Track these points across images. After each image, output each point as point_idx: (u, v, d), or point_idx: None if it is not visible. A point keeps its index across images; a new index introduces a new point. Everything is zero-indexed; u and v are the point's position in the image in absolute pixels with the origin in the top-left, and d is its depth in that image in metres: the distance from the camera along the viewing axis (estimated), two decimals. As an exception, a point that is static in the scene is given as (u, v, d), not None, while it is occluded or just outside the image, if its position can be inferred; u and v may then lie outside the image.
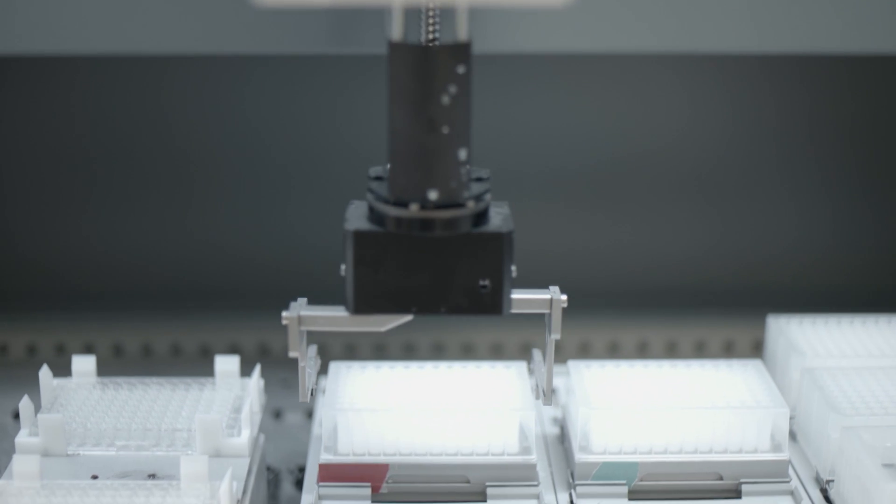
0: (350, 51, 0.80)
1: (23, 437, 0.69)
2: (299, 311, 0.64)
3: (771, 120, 0.94)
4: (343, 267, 0.62)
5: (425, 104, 0.59)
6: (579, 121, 0.93)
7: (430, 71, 0.58)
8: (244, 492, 0.66)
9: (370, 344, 0.95)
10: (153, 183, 0.93)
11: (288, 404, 0.87)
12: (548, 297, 0.65)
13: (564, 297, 0.65)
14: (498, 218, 0.62)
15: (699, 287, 0.96)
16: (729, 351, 0.95)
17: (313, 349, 0.68)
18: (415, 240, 0.61)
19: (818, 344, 0.78)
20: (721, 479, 0.68)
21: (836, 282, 0.96)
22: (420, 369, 0.75)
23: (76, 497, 0.63)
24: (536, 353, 0.69)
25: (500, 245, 0.61)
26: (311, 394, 0.67)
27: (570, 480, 0.68)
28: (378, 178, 0.63)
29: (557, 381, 0.79)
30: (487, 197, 0.62)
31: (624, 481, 0.68)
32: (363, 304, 0.62)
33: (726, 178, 0.95)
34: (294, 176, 0.94)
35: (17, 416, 0.87)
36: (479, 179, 0.63)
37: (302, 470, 0.79)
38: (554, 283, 0.66)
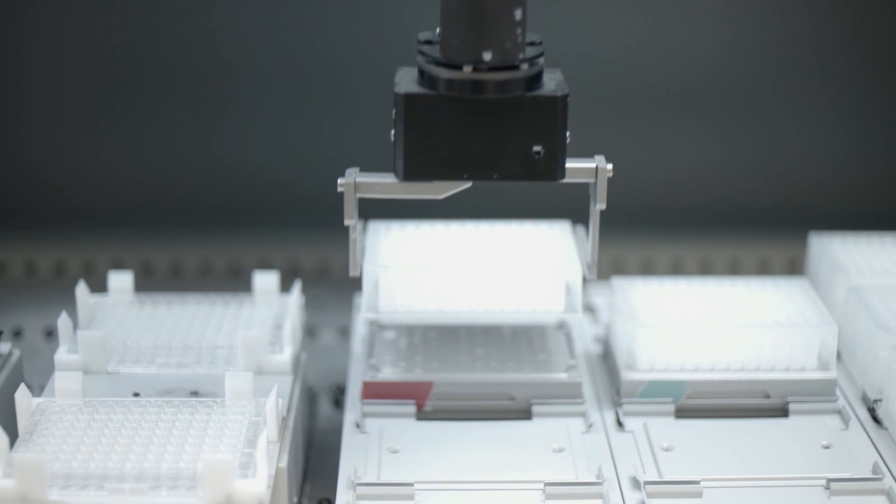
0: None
1: (62, 355, 0.68)
2: (355, 178, 0.63)
3: (812, 39, 0.92)
4: (393, 132, 0.61)
5: None
6: (619, 38, 0.91)
7: None
8: (288, 409, 0.65)
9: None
10: (184, 99, 0.92)
11: (322, 322, 0.86)
12: (593, 165, 0.63)
13: (610, 167, 0.63)
14: (552, 83, 0.61)
15: (733, 205, 0.95)
16: (763, 269, 0.94)
17: (360, 224, 0.67)
18: (467, 103, 0.59)
19: (862, 262, 0.77)
20: (768, 397, 0.67)
21: (875, 200, 0.95)
22: (461, 228, 0.73)
23: (119, 414, 0.62)
24: (580, 230, 0.68)
25: (554, 109, 0.60)
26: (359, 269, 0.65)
27: (616, 398, 0.68)
28: (428, 42, 0.61)
29: (598, 300, 0.78)
30: (541, 61, 0.60)
31: (670, 399, 0.67)
32: (413, 170, 0.61)
33: (763, 96, 0.93)
34: (323, 94, 0.92)
35: (49, 334, 0.86)
36: (532, 43, 0.61)
37: (340, 389, 0.78)
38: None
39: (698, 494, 0.60)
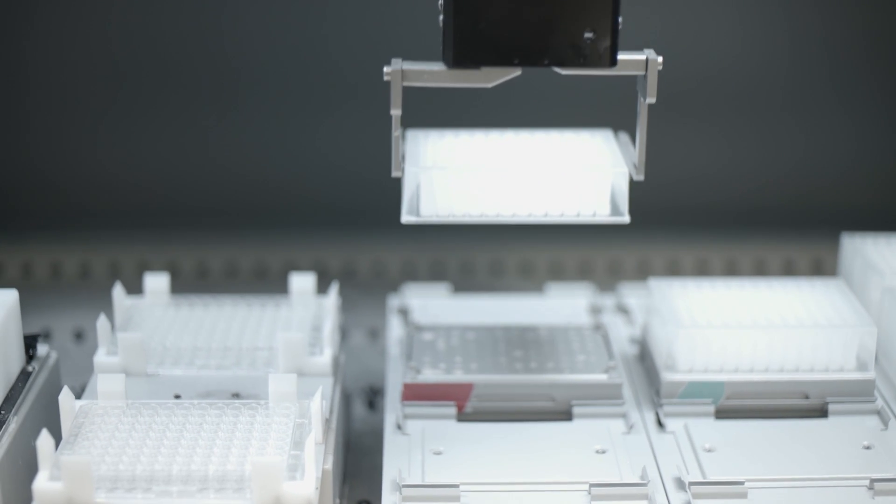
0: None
1: (101, 357, 0.68)
2: (402, 65, 0.62)
3: (825, 41, 0.92)
4: (441, 18, 0.60)
5: None
6: (648, 38, 0.91)
7: None
8: (331, 411, 0.65)
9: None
10: (210, 102, 0.92)
11: (351, 323, 0.86)
12: (643, 57, 0.62)
13: (660, 59, 0.62)
14: None
15: (757, 206, 0.95)
16: (789, 270, 0.94)
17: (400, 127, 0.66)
18: None
19: (896, 263, 0.77)
20: (807, 398, 0.67)
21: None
22: (500, 137, 0.71)
23: (163, 416, 0.62)
24: (623, 136, 0.68)
25: None
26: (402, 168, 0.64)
27: (656, 399, 0.68)
28: None
29: (632, 301, 0.78)
30: None
31: (710, 400, 0.67)
32: (463, 56, 0.60)
33: (786, 96, 0.93)
34: (345, 97, 0.92)
35: (78, 335, 0.86)
36: None
37: (373, 390, 0.78)
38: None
39: (743, 495, 0.60)
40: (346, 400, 0.77)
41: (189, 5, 0.90)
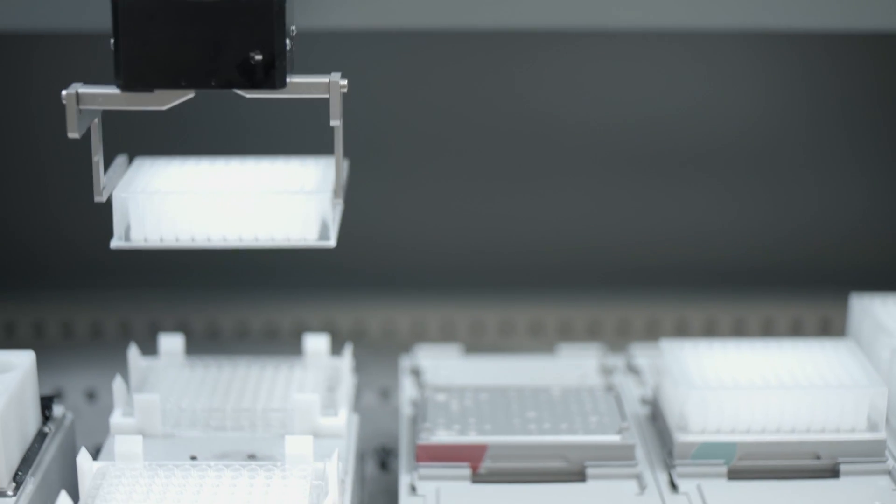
0: None
1: (117, 418, 0.69)
2: (77, 89, 0.61)
3: (837, 100, 0.93)
4: (112, 42, 0.60)
5: None
6: (658, 100, 0.93)
7: None
8: (346, 473, 0.65)
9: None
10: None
11: (362, 383, 0.86)
12: (326, 80, 0.62)
13: (344, 82, 0.62)
14: None
15: (764, 266, 0.96)
16: (797, 330, 0.95)
17: (122, 157, 0.67)
18: (182, 7, 0.59)
19: (904, 323, 0.77)
20: (818, 458, 0.68)
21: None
22: (225, 163, 0.71)
23: (179, 478, 0.62)
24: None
25: (271, 13, 0.59)
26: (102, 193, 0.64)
27: (668, 460, 0.68)
28: None
29: (642, 361, 0.79)
30: None
31: (723, 461, 0.67)
32: (132, 80, 0.60)
33: (791, 156, 0.94)
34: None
35: (90, 395, 0.87)
36: None
37: (384, 450, 0.79)
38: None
39: (757, 556, 0.60)
40: (360, 460, 0.78)
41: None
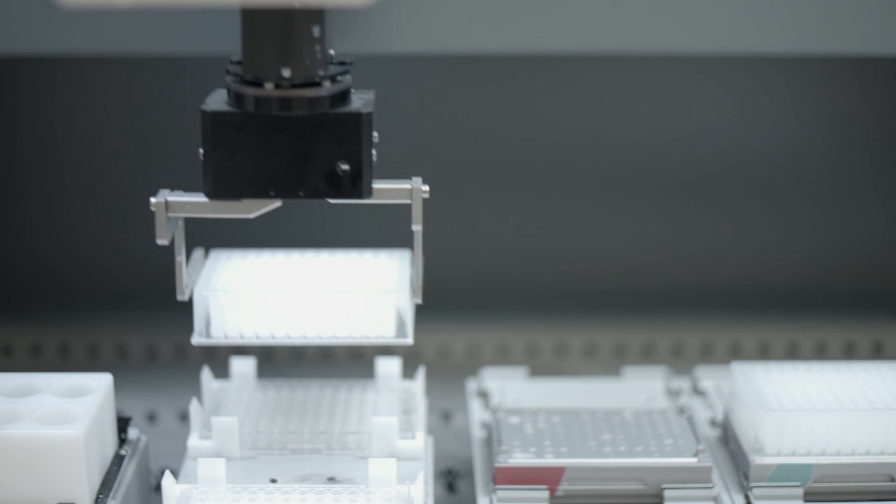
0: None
1: (195, 441, 0.69)
2: (166, 197, 0.63)
3: (877, 122, 0.94)
4: (201, 151, 0.61)
5: None
6: (691, 122, 0.93)
7: None
8: (427, 495, 0.65)
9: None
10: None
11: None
12: (408, 186, 0.63)
13: (426, 188, 0.63)
14: (359, 101, 0.61)
15: (815, 289, 0.96)
16: (849, 353, 0.95)
17: (199, 251, 0.68)
18: (271, 120, 0.60)
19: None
20: (894, 480, 0.68)
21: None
22: (301, 257, 0.73)
23: (263, 501, 0.62)
24: (410, 253, 0.69)
25: (358, 126, 0.60)
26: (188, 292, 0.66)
27: (744, 483, 0.68)
28: (238, 63, 0.62)
29: (708, 384, 0.79)
30: (347, 78, 0.61)
31: (798, 483, 0.67)
32: (220, 189, 0.61)
33: (850, 177, 0.95)
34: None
35: (151, 417, 0.87)
36: (342, 63, 0.62)
37: (450, 472, 0.79)
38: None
39: (839, 578, 0.60)
40: (429, 483, 0.78)
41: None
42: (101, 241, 0.96)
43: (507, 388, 0.78)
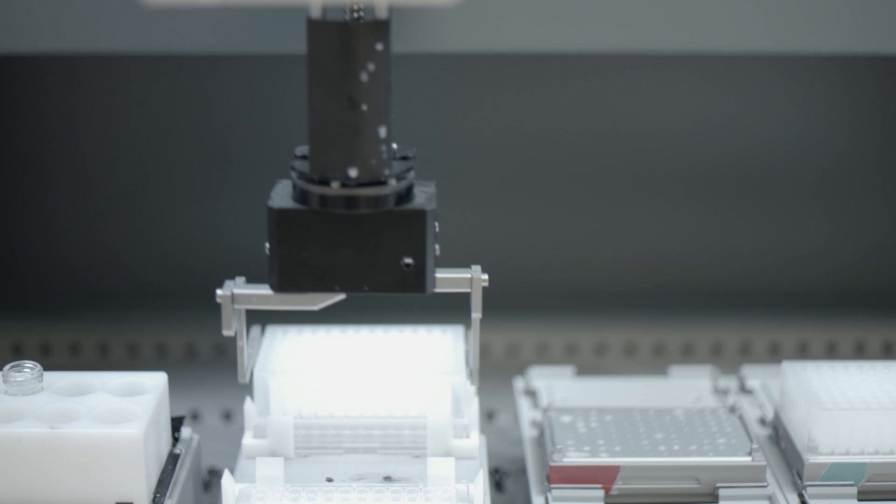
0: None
1: (249, 440, 0.69)
2: (232, 290, 0.64)
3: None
4: (267, 245, 0.62)
5: (343, 81, 0.58)
6: (722, 120, 0.93)
7: (347, 48, 0.58)
8: (485, 494, 0.65)
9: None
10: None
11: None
12: (468, 276, 0.64)
13: (485, 277, 0.64)
14: (422, 196, 0.62)
15: (854, 289, 0.96)
16: (888, 352, 0.95)
17: (256, 329, 0.70)
18: (337, 217, 0.60)
19: None
20: (948, 479, 0.68)
21: None
22: (356, 334, 0.75)
23: (322, 500, 0.63)
24: (464, 329, 0.70)
25: (422, 222, 0.61)
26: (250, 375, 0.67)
27: (798, 482, 0.68)
28: (303, 157, 0.62)
29: (754, 382, 0.79)
30: (411, 175, 0.62)
31: (852, 482, 0.68)
32: (286, 283, 0.62)
33: (873, 177, 0.95)
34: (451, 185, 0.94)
35: (194, 416, 0.87)
36: (403, 158, 0.62)
37: (496, 471, 0.79)
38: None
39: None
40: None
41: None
42: (138, 241, 0.96)
43: (554, 387, 0.78)
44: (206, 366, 0.94)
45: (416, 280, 0.61)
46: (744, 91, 0.93)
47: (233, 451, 0.77)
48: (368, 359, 0.72)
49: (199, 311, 0.94)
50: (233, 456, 0.78)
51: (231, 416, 0.87)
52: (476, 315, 0.65)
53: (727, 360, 0.93)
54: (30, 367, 0.67)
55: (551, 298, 0.95)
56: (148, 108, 0.93)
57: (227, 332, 0.64)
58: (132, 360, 0.94)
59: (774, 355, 0.94)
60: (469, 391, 0.70)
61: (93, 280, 0.97)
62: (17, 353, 0.94)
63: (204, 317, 0.94)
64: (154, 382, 0.68)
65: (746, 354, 0.94)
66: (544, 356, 0.94)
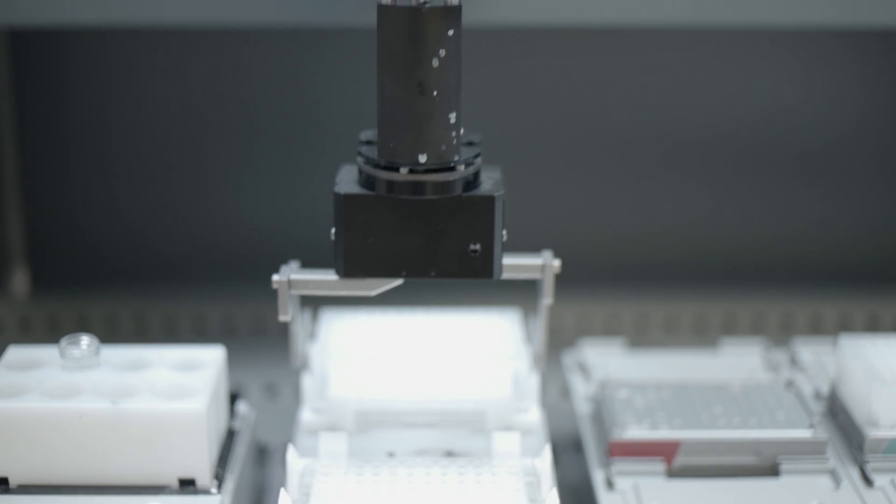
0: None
1: (307, 414, 0.68)
2: (289, 275, 0.64)
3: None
4: (333, 231, 0.62)
5: (415, 67, 0.58)
6: (784, 100, 0.93)
7: (419, 33, 0.57)
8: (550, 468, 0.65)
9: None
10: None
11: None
12: (539, 262, 0.64)
13: (557, 263, 0.64)
14: (489, 182, 0.62)
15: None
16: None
17: (307, 313, 0.69)
18: (405, 203, 0.60)
19: None
20: None
21: None
22: (412, 317, 0.76)
23: (387, 475, 0.62)
24: (531, 321, 0.70)
25: (491, 208, 0.61)
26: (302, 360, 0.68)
27: (859, 455, 0.68)
28: (368, 143, 0.62)
29: (806, 357, 0.79)
30: (478, 161, 0.61)
31: (913, 455, 0.67)
32: (352, 268, 0.62)
33: None
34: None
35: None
36: (469, 144, 0.62)
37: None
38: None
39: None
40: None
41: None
42: (203, 214, 0.95)
43: (605, 362, 0.77)
44: (245, 340, 0.93)
45: (484, 266, 0.61)
46: (802, 67, 0.93)
47: (277, 426, 0.77)
48: (425, 342, 0.72)
49: (236, 285, 0.94)
50: (277, 431, 0.78)
51: (273, 392, 0.86)
52: (547, 301, 0.64)
53: (769, 334, 0.93)
54: (87, 342, 0.66)
55: (594, 271, 0.95)
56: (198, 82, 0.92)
57: (283, 318, 0.64)
58: (170, 336, 0.94)
59: (817, 329, 0.94)
60: (529, 374, 0.70)
61: (153, 255, 0.96)
62: (81, 328, 0.93)
63: (243, 292, 0.94)
64: (212, 357, 0.67)
65: (788, 329, 0.94)
66: (586, 328, 0.94)
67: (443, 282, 0.90)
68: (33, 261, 0.97)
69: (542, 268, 0.64)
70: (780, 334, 0.93)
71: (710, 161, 0.94)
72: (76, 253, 0.96)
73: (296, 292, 0.64)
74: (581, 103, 0.93)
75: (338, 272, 0.62)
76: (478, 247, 0.61)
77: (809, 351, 0.79)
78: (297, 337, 0.66)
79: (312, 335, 0.74)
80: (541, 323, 0.66)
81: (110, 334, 0.93)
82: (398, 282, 0.63)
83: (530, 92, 0.93)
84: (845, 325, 0.94)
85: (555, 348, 0.81)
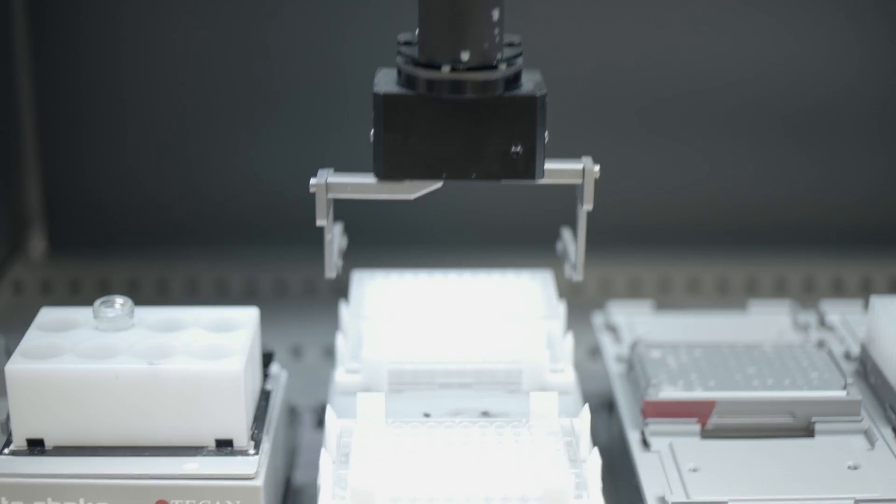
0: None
1: (342, 376, 0.68)
2: (327, 178, 0.63)
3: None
4: (372, 132, 0.61)
5: None
6: (825, 58, 0.93)
7: None
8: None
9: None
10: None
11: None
12: (580, 166, 0.63)
13: (597, 168, 0.63)
14: (530, 83, 0.61)
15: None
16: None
17: (339, 227, 0.68)
18: (445, 103, 0.59)
19: None
20: None
21: None
22: (444, 278, 0.76)
23: (425, 436, 0.62)
24: (566, 232, 0.69)
25: (533, 108, 0.60)
26: (337, 271, 0.66)
27: (891, 416, 0.68)
28: (407, 43, 0.61)
29: (834, 318, 0.79)
30: (520, 61, 0.61)
31: (948, 416, 0.68)
32: (392, 170, 0.61)
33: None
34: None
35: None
36: (510, 44, 0.61)
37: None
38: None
39: None
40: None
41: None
42: (224, 176, 0.95)
43: (635, 323, 0.77)
44: (267, 302, 0.93)
45: (525, 167, 0.60)
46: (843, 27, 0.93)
47: (303, 388, 0.77)
48: (458, 304, 0.72)
49: (258, 248, 0.94)
50: (307, 392, 0.78)
51: (298, 353, 0.86)
52: (587, 207, 0.63)
53: (792, 296, 0.93)
54: (121, 303, 0.66)
55: (616, 233, 0.94)
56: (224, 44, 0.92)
57: (320, 222, 0.63)
58: (192, 298, 0.93)
59: (839, 291, 0.94)
60: (562, 337, 0.70)
61: (180, 218, 0.96)
62: (102, 291, 0.93)
63: (264, 254, 0.94)
64: (246, 317, 0.67)
65: (811, 291, 0.94)
66: (608, 291, 0.94)
67: (473, 245, 0.91)
68: (51, 224, 0.97)
69: (583, 172, 0.63)
70: (804, 296, 0.92)
71: (734, 122, 0.93)
72: (95, 216, 0.96)
73: (333, 195, 0.63)
74: (596, 59, 0.92)
75: (377, 175, 0.61)
76: (519, 148, 0.60)
77: (837, 312, 0.79)
78: (332, 246, 0.65)
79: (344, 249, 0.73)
80: (581, 230, 0.65)
81: (131, 297, 0.92)
82: (438, 184, 0.62)
83: (536, 48, 0.92)
84: (867, 287, 0.94)
85: (578, 311, 0.81)
